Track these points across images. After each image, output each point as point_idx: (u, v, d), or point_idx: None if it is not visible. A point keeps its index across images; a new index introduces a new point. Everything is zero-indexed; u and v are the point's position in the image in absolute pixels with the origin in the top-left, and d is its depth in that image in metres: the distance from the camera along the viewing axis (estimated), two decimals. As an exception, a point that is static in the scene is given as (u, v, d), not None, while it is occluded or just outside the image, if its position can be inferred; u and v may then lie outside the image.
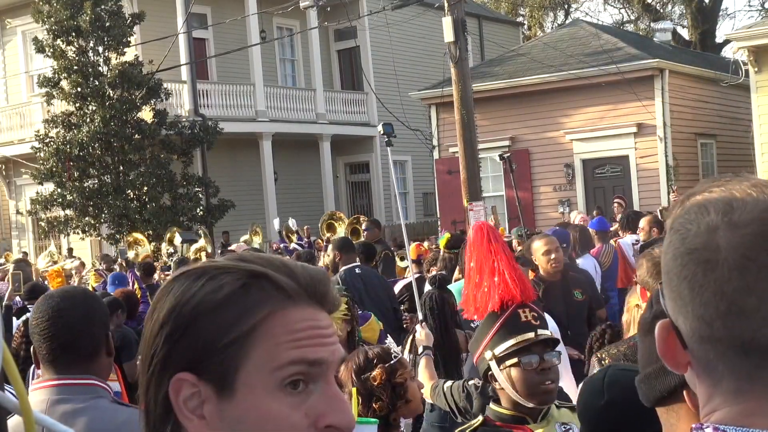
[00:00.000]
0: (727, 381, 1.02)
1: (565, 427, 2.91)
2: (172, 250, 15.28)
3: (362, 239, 11.36)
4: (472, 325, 5.80)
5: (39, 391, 2.53)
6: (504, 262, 3.02)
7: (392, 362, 3.10)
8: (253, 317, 1.06)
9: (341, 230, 14.85)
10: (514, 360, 2.84)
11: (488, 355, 2.89)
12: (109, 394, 2.61)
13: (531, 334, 2.87)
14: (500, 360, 2.87)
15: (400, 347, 5.27)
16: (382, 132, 6.46)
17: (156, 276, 12.26)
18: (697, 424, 1.05)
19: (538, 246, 6.67)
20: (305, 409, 1.06)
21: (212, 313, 1.06)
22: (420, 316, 5.13)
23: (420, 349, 4.52)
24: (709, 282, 1.00)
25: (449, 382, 4.00)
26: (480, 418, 2.93)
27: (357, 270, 7.97)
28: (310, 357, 1.06)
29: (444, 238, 8.78)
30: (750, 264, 0.98)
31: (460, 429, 2.93)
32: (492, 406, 2.96)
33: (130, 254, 15.22)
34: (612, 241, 10.20)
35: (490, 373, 2.91)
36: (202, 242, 16.15)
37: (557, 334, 4.41)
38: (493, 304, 2.95)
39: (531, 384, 2.81)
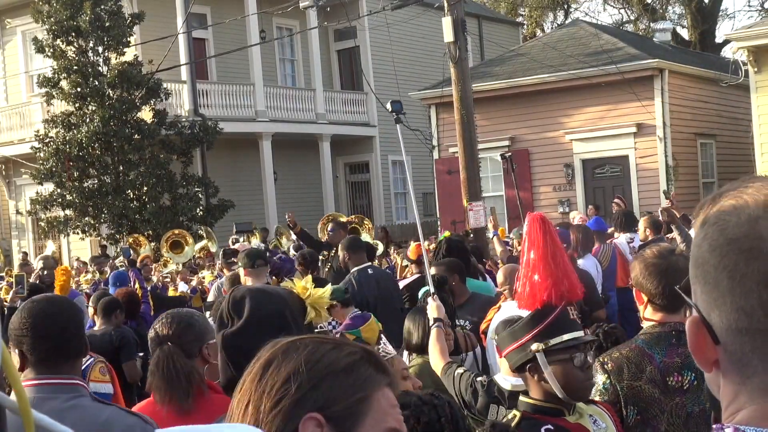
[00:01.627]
0: (759, 377, 1.01)
1: (593, 419, 2.99)
2: (236, 238, 15.53)
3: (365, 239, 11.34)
4: (461, 323, 5.80)
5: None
6: (561, 255, 3.09)
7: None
8: (369, 387, 1.42)
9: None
10: (565, 356, 2.91)
11: (535, 346, 2.94)
12: (89, 393, 2.74)
13: (581, 333, 2.98)
14: (549, 353, 2.93)
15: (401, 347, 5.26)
16: (390, 109, 6.42)
17: (155, 278, 12.25)
18: (718, 425, 1.04)
19: None
20: None
21: (342, 373, 1.40)
22: (431, 290, 5.13)
23: (431, 321, 4.53)
24: (753, 271, 0.99)
25: (461, 369, 4.02)
26: (516, 412, 3.00)
27: (370, 271, 7.99)
28: (398, 427, 1.44)
29: (443, 237, 8.79)
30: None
31: (495, 421, 3.00)
32: (524, 398, 3.03)
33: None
34: (608, 241, 10.21)
35: (529, 365, 2.96)
36: (204, 241, 16.16)
37: None
38: (549, 296, 3.01)
39: (577, 380, 2.89)
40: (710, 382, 1.08)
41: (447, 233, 9.54)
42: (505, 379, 4.28)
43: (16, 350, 2.72)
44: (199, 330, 3.28)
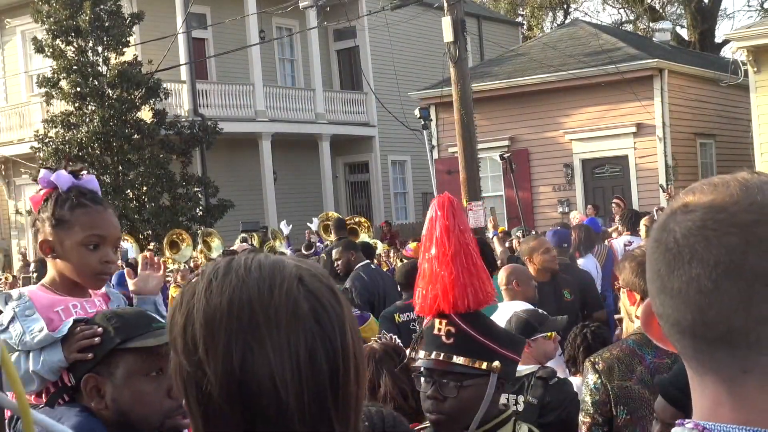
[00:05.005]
0: (711, 375, 1.03)
1: None
2: (245, 237, 15.59)
3: (360, 240, 11.35)
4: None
5: None
6: (462, 255, 2.64)
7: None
8: None
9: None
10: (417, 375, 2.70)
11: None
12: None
13: (432, 355, 2.63)
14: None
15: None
16: (419, 116, 6.56)
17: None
18: (680, 420, 1.06)
19: (537, 245, 6.73)
20: None
21: None
22: None
23: None
24: (650, 261, 1.05)
25: None
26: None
27: (372, 266, 8.09)
28: None
29: None
30: (683, 249, 1.01)
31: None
32: None
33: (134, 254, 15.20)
34: (605, 242, 10.21)
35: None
36: (217, 242, 16.09)
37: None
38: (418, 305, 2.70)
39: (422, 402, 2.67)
40: None
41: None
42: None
43: None
44: None
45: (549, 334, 4.39)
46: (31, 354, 2.25)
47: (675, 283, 1.02)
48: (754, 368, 0.99)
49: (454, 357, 2.61)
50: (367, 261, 8.17)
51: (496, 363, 2.58)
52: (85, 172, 2.54)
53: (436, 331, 2.66)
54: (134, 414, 2.08)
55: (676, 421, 1.05)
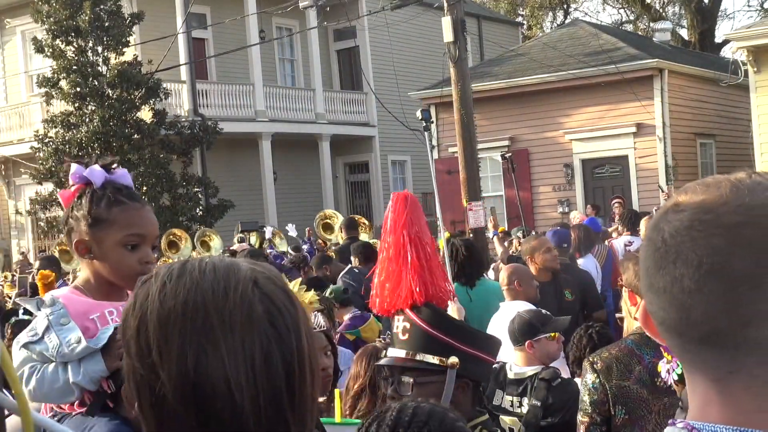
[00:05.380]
0: (700, 374, 1.04)
1: None
2: (242, 237, 15.56)
3: (360, 239, 11.34)
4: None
5: None
6: (420, 250, 2.61)
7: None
8: None
9: (338, 228, 14.76)
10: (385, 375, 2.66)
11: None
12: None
13: (393, 353, 2.61)
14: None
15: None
16: (420, 117, 6.56)
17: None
18: (672, 420, 1.06)
19: (539, 244, 6.73)
20: None
21: None
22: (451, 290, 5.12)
23: None
24: (641, 259, 1.07)
25: None
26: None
27: (356, 269, 8.10)
28: None
29: (446, 235, 8.79)
30: (670, 248, 1.01)
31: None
32: None
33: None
34: (605, 242, 10.21)
35: None
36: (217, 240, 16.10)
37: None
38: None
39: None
40: None
41: (447, 234, 9.51)
42: (511, 368, 4.35)
43: None
44: None
45: (552, 334, 4.39)
46: (69, 365, 2.15)
47: (661, 282, 1.02)
48: (741, 369, 0.99)
49: (407, 353, 2.57)
50: (349, 266, 8.14)
51: (454, 359, 2.52)
52: (116, 165, 2.41)
53: (395, 329, 2.63)
54: None
55: (669, 421, 1.06)
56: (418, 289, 2.59)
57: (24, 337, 2.23)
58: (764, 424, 0.99)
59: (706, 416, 1.02)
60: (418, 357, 2.52)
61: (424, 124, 6.60)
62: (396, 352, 2.60)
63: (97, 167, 2.34)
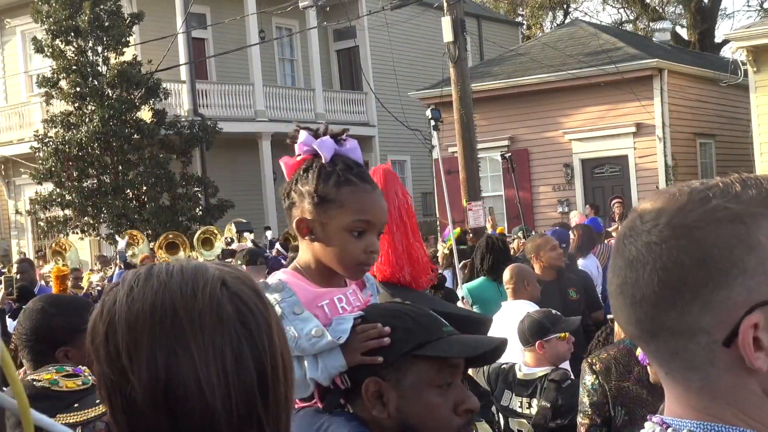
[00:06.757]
0: (670, 374, 1.07)
1: None
2: (230, 239, 15.51)
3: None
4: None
5: None
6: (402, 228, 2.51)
7: None
8: None
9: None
10: None
11: None
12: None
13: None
14: None
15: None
16: (430, 117, 6.57)
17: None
18: (650, 415, 1.10)
19: (544, 242, 6.75)
20: None
21: None
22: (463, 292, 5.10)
23: None
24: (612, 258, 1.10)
25: None
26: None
27: None
28: None
29: (456, 233, 8.83)
30: (624, 250, 1.04)
31: None
32: None
33: (128, 253, 15.19)
34: (606, 241, 10.22)
35: None
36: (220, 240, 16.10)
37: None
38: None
39: None
40: None
41: (458, 230, 9.50)
42: (520, 369, 4.33)
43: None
44: None
45: (562, 334, 4.35)
46: (306, 359, 1.96)
47: (615, 282, 1.05)
48: (673, 372, 1.03)
49: None
50: None
51: None
52: (345, 136, 2.19)
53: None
54: (421, 428, 1.82)
55: (648, 416, 1.09)
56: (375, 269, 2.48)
57: None
58: (717, 419, 1.01)
59: (669, 411, 1.06)
60: None
61: (434, 123, 6.62)
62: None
63: (327, 138, 2.15)
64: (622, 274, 1.03)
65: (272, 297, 1.99)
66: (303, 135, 2.16)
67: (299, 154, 2.16)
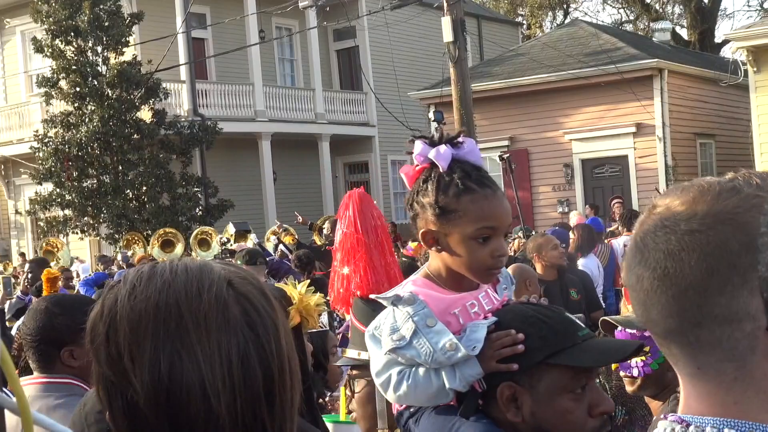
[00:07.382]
0: (680, 370, 1.10)
1: None
2: (225, 239, 15.46)
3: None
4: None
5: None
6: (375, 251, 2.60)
7: None
8: None
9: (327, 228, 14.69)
10: None
11: None
12: (84, 391, 2.78)
13: None
14: None
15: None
16: (432, 119, 6.59)
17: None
18: (664, 414, 1.11)
19: (546, 242, 6.75)
20: None
21: None
22: None
23: None
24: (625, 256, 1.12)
25: None
26: None
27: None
28: None
29: None
30: (638, 248, 1.07)
31: None
32: None
33: (128, 253, 15.21)
34: (606, 241, 10.22)
35: None
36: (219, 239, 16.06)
37: None
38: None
39: None
40: None
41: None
42: None
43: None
44: None
45: None
46: (444, 370, 1.97)
47: (631, 279, 1.08)
48: (706, 366, 1.04)
49: (347, 351, 2.52)
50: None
51: None
52: (462, 138, 2.16)
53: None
54: None
55: (662, 415, 1.10)
56: (353, 286, 2.55)
57: (388, 341, 2.02)
58: (742, 414, 1.02)
59: (689, 409, 1.06)
60: (363, 356, 2.39)
61: (437, 126, 6.65)
62: (349, 352, 2.55)
63: (444, 148, 2.11)
64: (660, 266, 1.03)
65: (405, 310, 2.00)
66: (419, 146, 2.14)
67: (417, 165, 2.17)
